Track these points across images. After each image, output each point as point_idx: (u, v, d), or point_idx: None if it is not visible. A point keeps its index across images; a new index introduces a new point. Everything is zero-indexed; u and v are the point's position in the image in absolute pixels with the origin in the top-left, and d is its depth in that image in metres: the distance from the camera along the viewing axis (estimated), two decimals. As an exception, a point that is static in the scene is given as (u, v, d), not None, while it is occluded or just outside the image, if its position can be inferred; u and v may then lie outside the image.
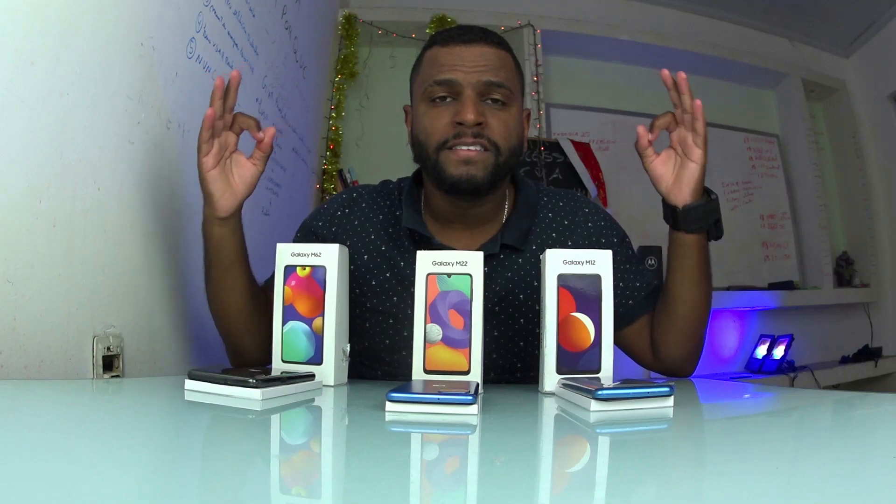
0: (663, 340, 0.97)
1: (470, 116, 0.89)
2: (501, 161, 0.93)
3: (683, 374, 0.99)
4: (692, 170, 0.88)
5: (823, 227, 3.34)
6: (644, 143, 0.89)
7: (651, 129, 0.89)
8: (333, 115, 2.72)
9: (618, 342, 1.01)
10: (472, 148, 0.91)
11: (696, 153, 0.87)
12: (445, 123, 0.92)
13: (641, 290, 1.01)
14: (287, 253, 0.82)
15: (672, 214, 0.90)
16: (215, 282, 0.93)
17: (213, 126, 0.86)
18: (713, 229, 0.91)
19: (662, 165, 0.90)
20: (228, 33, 1.30)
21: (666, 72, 0.86)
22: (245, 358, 0.98)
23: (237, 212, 0.91)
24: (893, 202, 3.43)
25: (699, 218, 0.89)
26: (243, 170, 0.90)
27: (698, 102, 0.85)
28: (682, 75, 0.85)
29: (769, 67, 3.38)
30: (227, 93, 0.86)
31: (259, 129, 0.89)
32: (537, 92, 2.87)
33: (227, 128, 0.88)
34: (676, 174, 0.89)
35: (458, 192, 0.93)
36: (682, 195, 0.89)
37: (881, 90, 3.37)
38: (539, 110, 2.86)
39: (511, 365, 0.98)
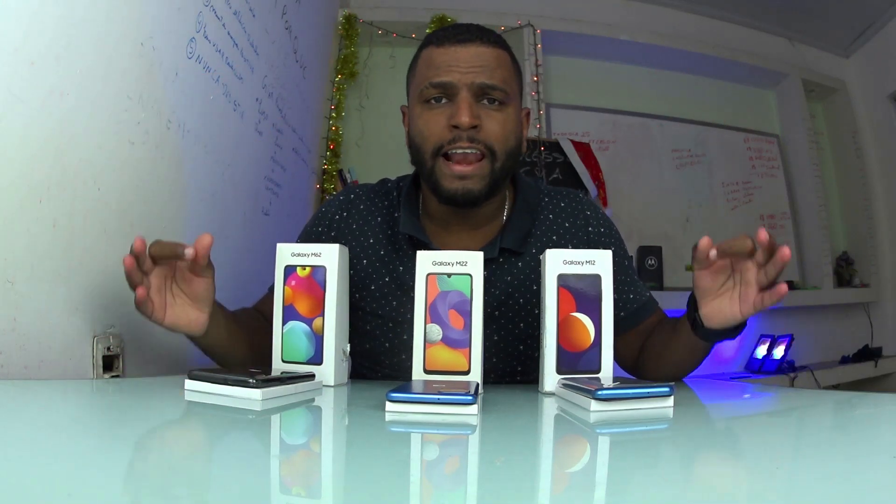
0: (645, 371, 0.97)
1: (465, 119, 0.88)
2: (498, 167, 0.92)
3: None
4: (735, 316, 0.79)
5: (823, 227, 3.34)
6: (702, 256, 0.78)
7: (719, 251, 0.77)
8: (333, 115, 2.72)
9: None
10: (468, 153, 0.89)
11: (749, 311, 0.78)
12: (441, 127, 0.90)
13: (634, 302, 1.01)
14: (287, 253, 0.82)
15: (694, 320, 0.83)
16: (218, 360, 0.92)
17: (147, 295, 0.76)
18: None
19: (711, 280, 0.80)
20: (228, 33, 1.30)
21: (765, 235, 0.75)
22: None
23: (211, 317, 0.83)
24: (893, 202, 3.43)
25: (720, 336, 0.83)
26: (194, 287, 0.80)
27: (784, 289, 0.75)
28: (787, 254, 0.74)
29: (769, 67, 3.38)
30: (139, 260, 0.75)
31: (181, 250, 0.76)
32: (537, 92, 2.87)
33: (152, 269, 0.78)
34: (718, 302, 0.80)
35: (455, 204, 0.93)
36: (713, 321, 0.80)
37: (881, 90, 3.37)
38: (539, 110, 2.86)
39: (511, 368, 0.98)
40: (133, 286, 0.75)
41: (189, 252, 0.75)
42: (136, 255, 0.74)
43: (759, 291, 0.77)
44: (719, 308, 0.80)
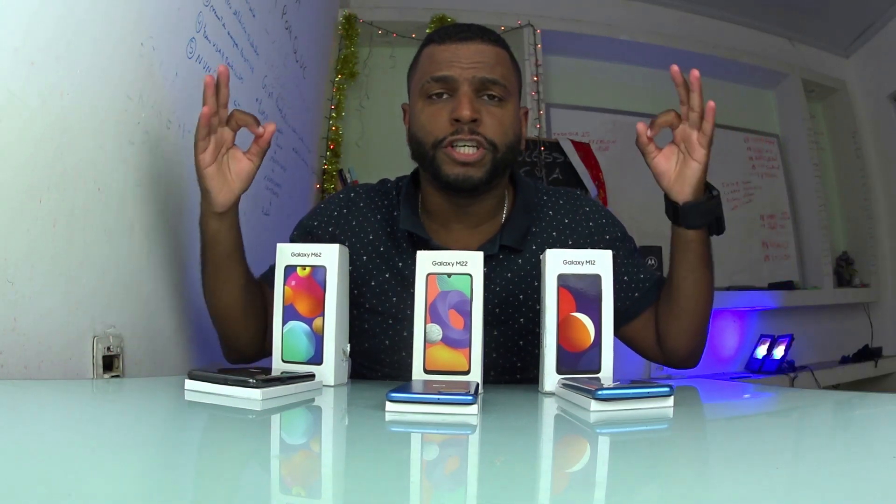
0: (668, 333, 0.97)
1: (466, 113, 0.90)
2: (499, 157, 0.93)
3: (688, 367, 1.01)
4: (694, 169, 0.87)
5: (823, 227, 3.34)
6: (644, 140, 0.88)
7: (651, 126, 0.88)
8: (333, 115, 2.72)
9: (624, 337, 1.02)
10: (468, 149, 0.91)
11: (700, 153, 0.87)
12: (443, 121, 0.92)
13: (646, 281, 1.02)
14: (287, 253, 0.82)
15: (673, 210, 0.90)
16: (211, 276, 0.93)
17: (209, 124, 0.85)
18: (714, 225, 0.91)
19: (665, 161, 0.89)
20: (228, 33, 1.29)
21: (675, 68, 0.85)
22: (239, 352, 1.00)
23: (234, 207, 0.91)
24: (893, 202, 3.43)
25: (700, 215, 0.89)
26: (240, 165, 0.90)
27: (712, 104, 0.85)
28: (696, 74, 0.84)
29: (769, 67, 3.38)
30: (218, 88, 0.85)
31: (258, 124, 0.88)
32: (537, 92, 2.87)
33: (223, 124, 0.88)
34: (678, 172, 0.89)
35: (456, 190, 0.94)
36: (684, 193, 0.88)
37: (881, 90, 3.37)
38: (539, 110, 2.86)
39: (511, 364, 0.99)
40: (204, 102, 0.84)
41: (260, 129, 0.88)
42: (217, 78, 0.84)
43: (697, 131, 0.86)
44: (682, 176, 0.88)
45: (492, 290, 0.96)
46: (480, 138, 0.91)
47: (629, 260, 1.02)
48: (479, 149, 0.91)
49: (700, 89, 0.85)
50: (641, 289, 1.01)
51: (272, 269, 1.01)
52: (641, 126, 0.88)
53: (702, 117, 0.86)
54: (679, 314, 0.95)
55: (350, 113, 2.84)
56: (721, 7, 3.31)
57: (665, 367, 1.05)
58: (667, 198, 0.91)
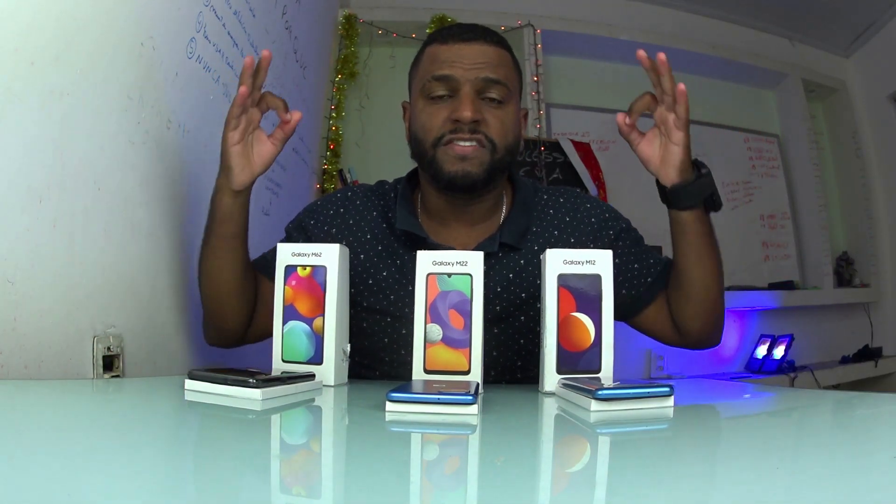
0: (682, 317, 0.97)
1: (467, 114, 0.90)
2: (497, 158, 0.93)
3: (710, 346, 1.01)
4: (674, 152, 0.88)
5: (823, 227, 3.34)
6: (625, 129, 0.89)
7: (630, 113, 0.89)
8: (333, 115, 2.72)
9: (642, 326, 1.02)
10: (468, 144, 0.91)
11: (677, 135, 0.87)
12: (443, 120, 0.92)
13: (657, 265, 1.02)
14: (287, 253, 0.82)
15: (664, 194, 0.90)
16: (213, 251, 0.94)
17: (244, 103, 0.87)
18: (710, 201, 0.91)
19: (648, 146, 0.90)
20: (228, 33, 1.29)
21: (642, 52, 0.85)
22: (221, 334, 1.00)
23: (249, 188, 0.92)
24: (893, 202, 3.43)
25: (690, 195, 0.89)
26: (263, 147, 0.91)
27: (682, 87, 0.84)
28: (662, 57, 0.84)
29: (769, 67, 3.38)
30: (257, 71, 0.87)
31: (287, 110, 0.90)
32: (537, 92, 2.87)
33: (255, 104, 0.89)
34: (662, 156, 0.89)
35: (455, 189, 0.94)
36: (670, 176, 0.89)
37: (881, 90, 3.37)
38: (539, 110, 2.86)
39: (511, 363, 0.99)
40: (241, 82, 0.85)
41: (288, 116, 0.90)
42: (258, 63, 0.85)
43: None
44: (665, 160, 0.88)
45: (492, 289, 0.96)
46: (481, 136, 0.92)
47: (637, 248, 1.02)
48: (479, 145, 0.92)
49: (669, 72, 0.84)
50: (653, 273, 1.01)
51: (264, 257, 1.02)
52: (621, 116, 0.89)
53: (675, 100, 0.85)
54: (689, 297, 0.95)
55: (350, 113, 2.84)
56: (721, 7, 3.31)
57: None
58: (658, 183, 0.91)
